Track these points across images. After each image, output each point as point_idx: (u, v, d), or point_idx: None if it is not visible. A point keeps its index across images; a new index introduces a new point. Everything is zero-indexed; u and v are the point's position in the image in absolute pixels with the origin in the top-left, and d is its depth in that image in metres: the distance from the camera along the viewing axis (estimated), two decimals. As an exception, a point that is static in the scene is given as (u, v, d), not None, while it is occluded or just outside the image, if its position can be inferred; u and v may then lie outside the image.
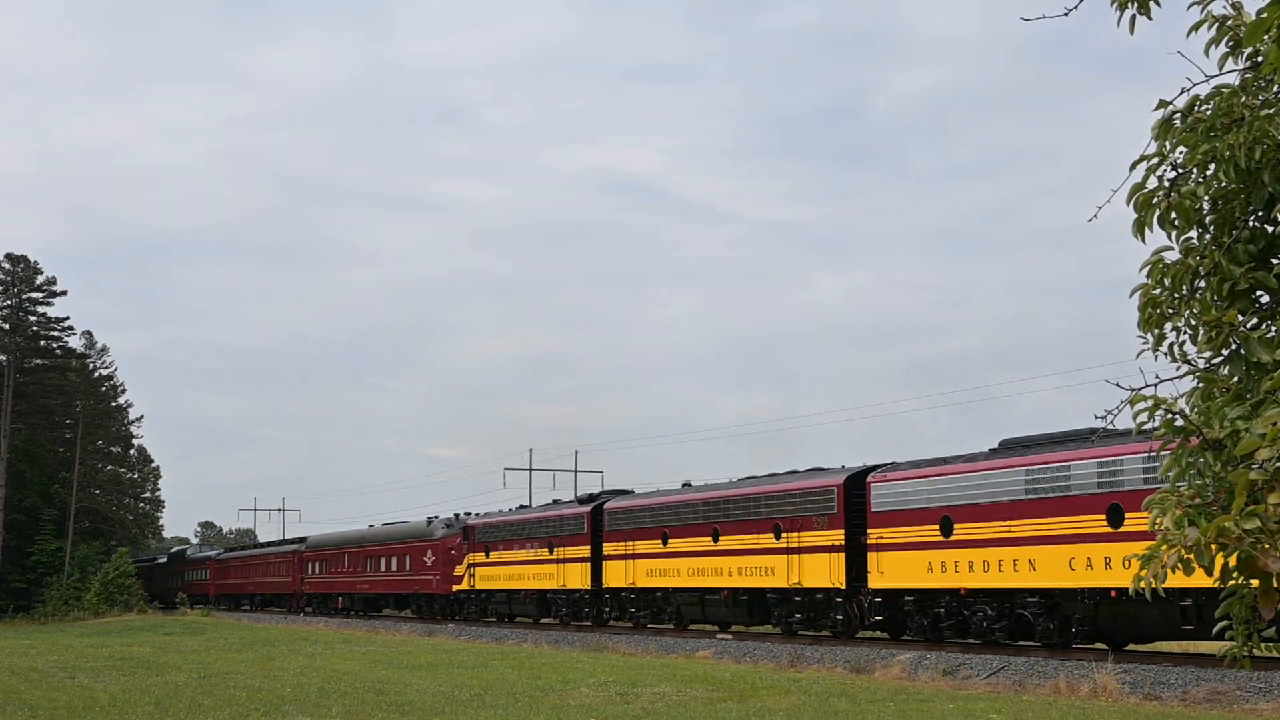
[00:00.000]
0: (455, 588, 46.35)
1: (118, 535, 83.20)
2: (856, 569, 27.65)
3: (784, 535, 29.60)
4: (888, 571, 26.60)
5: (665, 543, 34.35)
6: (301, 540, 67.77)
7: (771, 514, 30.15)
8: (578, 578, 38.74)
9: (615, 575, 36.75)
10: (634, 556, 35.80)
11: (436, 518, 50.39)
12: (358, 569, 57.00)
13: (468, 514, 50.40)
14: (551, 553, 40.09)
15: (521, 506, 48.21)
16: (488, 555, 44.27)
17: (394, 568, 52.66)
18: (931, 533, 25.52)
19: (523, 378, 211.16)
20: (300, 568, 64.64)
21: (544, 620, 42.68)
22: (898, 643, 27.37)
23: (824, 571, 28.35)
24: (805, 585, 28.99)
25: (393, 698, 18.65)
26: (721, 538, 32.05)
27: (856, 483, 28.09)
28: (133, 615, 63.09)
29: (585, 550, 38.32)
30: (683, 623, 34.74)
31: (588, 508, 39.00)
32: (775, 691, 19.10)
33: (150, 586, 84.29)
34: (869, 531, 27.14)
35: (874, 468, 28.12)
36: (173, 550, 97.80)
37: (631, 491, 39.87)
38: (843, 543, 27.86)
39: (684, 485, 36.48)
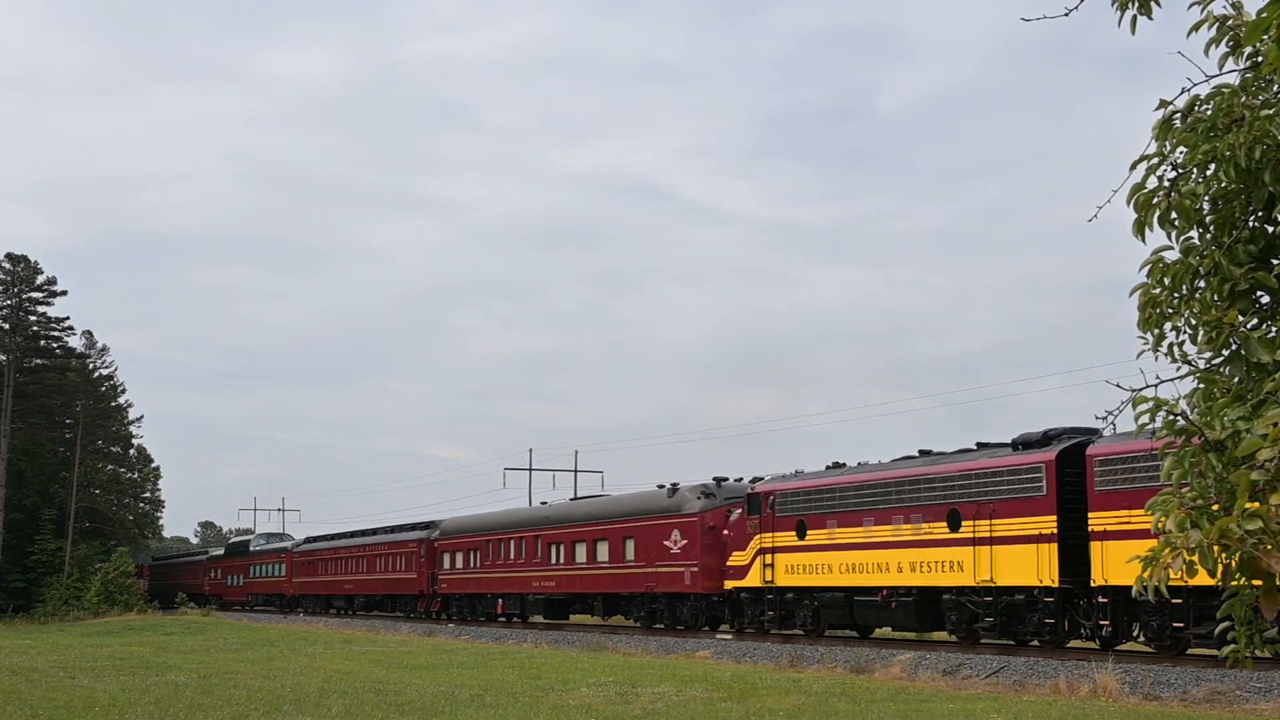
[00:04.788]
0: (731, 583, 32.27)
1: (117, 535, 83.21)
2: None
3: None
4: None
5: None
6: (429, 525, 51.91)
7: None
8: (1025, 568, 24.20)
9: (1121, 563, 21.76)
10: None
11: (678, 485, 35.43)
12: (536, 560, 41.60)
13: (735, 479, 35.17)
14: (955, 529, 25.66)
15: (835, 465, 31.09)
16: (801, 535, 29.74)
17: (604, 558, 37.79)
18: None
19: (523, 378, 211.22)
20: (430, 560, 49.82)
21: (923, 634, 29.48)
22: (897, 643, 27.20)
23: None
24: None
25: (393, 698, 18.64)
26: None
27: None
28: (133, 615, 63.11)
29: (1043, 523, 23.83)
30: None
31: (1047, 454, 24.10)
32: (775, 691, 19.09)
33: (190, 586, 80.00)
34: None
35: None
36: (231, 541, 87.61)
37: (1098, 433, 23.58)
38: None
39: None
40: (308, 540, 67.10)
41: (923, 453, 28.41)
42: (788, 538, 30.30)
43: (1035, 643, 24.61)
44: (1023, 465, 24.49)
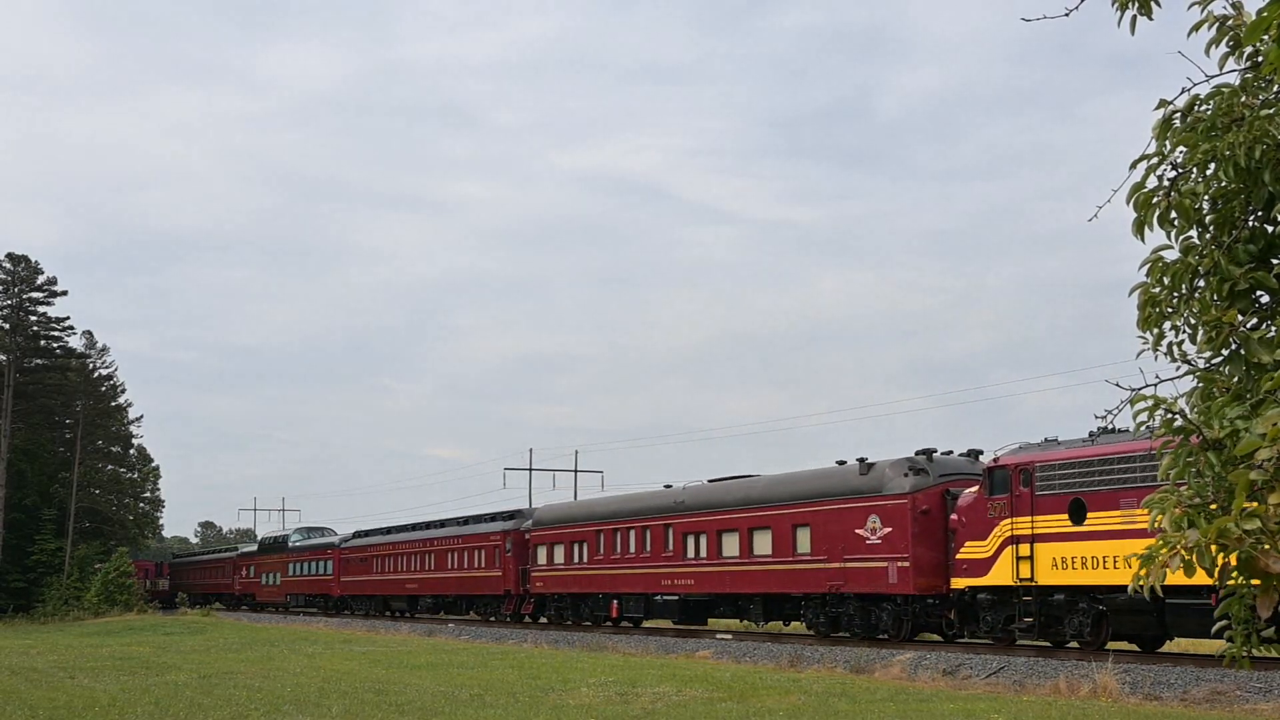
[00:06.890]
0: (963, 581, 25.47)
1: (117, 535, 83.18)
2: None
3: None
4: None
5: None
6: (515, 514, 45.13)
7: None
8: None
9: None
10: None
11: (868, 460, 28.59)
12: (667, 554, 34.75)
13: (942, 452, 28.19)
14: None
15: (1102, 430, 22.52)
16: (1078, 519, 23.03)
17: (766, 550, 30.77)
18: None
19: (523, 378, 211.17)
20: (518, 555, 43.09)
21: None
22: (898, 643, 27.14)
23: None
24: None
25: (393, 698, 18.64)
26: None
27: None
28: (133, 615, 63.10)
29: None
30: None
31: None
32: (775, 691, 19.09)
33: (218, 586, 78.06)
34: None
35: None
36: (263, 538, 78.53)
37: None
38: None
39: None
40: (357, 534, 59.97)
41: None
42: (1056, 522, 23.53)
43: None
44: None
